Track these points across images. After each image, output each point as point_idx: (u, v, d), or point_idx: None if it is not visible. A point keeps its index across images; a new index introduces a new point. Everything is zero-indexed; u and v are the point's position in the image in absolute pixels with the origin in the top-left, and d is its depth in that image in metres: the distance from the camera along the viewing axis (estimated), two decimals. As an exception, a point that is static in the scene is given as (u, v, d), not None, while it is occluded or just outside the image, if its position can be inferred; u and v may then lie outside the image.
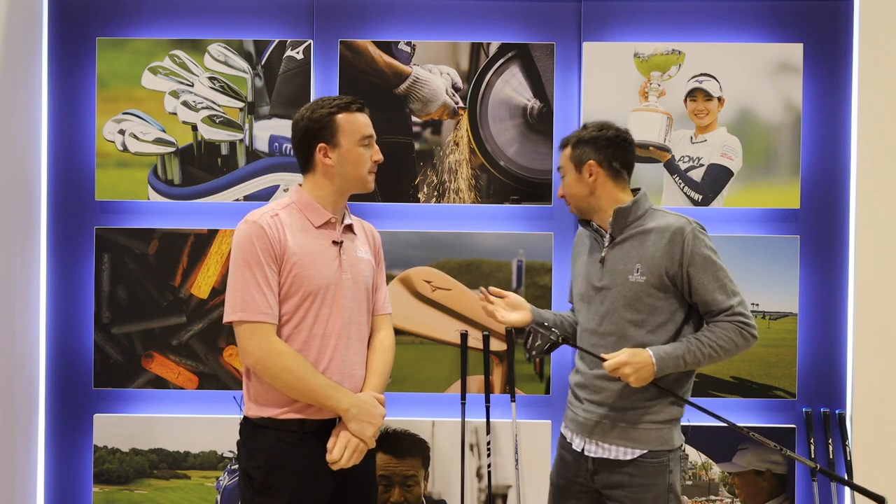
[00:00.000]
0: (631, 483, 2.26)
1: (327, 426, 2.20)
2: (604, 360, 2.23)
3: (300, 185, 2.32)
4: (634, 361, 2.19)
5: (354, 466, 2.21)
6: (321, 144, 2.23)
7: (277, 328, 2.18)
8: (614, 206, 2.33)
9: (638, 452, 2.26)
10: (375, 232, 2.47)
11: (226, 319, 2.19)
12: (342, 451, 2.16)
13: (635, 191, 2.37)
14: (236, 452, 2.31)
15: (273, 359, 2.14)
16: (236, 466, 2.81)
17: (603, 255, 2.34)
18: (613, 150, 2.34)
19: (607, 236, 2.35)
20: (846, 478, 3.07)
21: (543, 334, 2.33)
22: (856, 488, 2.20)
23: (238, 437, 2.27)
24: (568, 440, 2.40)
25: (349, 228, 2.32)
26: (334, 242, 2.25)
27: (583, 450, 2.33)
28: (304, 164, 2.29)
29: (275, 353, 2.14)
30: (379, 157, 2.31)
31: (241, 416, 2.27)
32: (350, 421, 2.18)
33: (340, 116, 2.24)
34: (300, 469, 2.17)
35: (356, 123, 2.25)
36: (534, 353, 2.36)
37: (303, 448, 2.17)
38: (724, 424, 2.31)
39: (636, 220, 2.32)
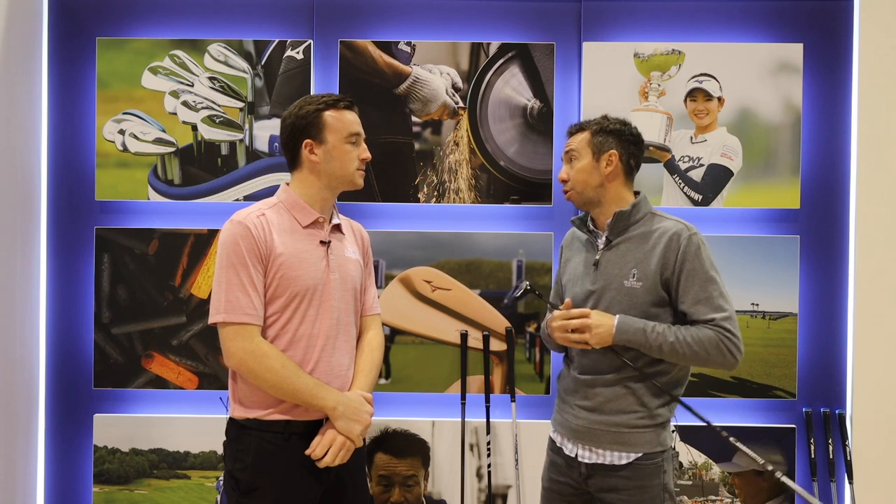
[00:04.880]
0: (627, 486, 2.23)
1: (314, 427, 2.18)
2: (561, 307, 2.23)
3: (287, 184, 2.30)
4: (596, 333, 2.19)
5: (343, 467, 2.19)
6: (307, 140, 2.22)
7: (263, 329, 2.16)
8: (617, 204, 2.29)
9: (633, 456, 2.23)
10: (364, 232, 2.45)
11: (210, 321, 2.17)
12: (326, 448, 2.15)
13: (636, 193, 2.34)
14: (222, 454, 2.30)
15: (257, 360, 2.12)
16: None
17: (597, 257, 2.29)
18: (634, 147, 2.33)
19: (603, 238, 2.31)
20: (849, 480, 3.08)
21: (518, 286, 2.37)
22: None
23: (224, 439, 2.25)
24: (558, 444, 2.36)
25: (337, 228, 2.30)
26: (322, 242, 2.23)
27: (576, 455, 2.29)
28: (292, 161, 2.27)
29: (259, 354, 2.12)
30: (366, 155, 2.28)
31: (227, 417, 2.25)
32: (337, 419, 2.16)
33: (328, 113, 2.22)
34: (286, 471, 2.15)
35: (343, 121, 2.23)
36: (506, 301, 2.40)
37: (289, 449, 2.15)
38: (725, 424, 2.30)
39: (635, 223, 2.28)
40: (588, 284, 2.30)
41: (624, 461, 2.23)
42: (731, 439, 2.25)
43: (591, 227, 2.36)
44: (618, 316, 2.19)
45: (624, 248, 2.27)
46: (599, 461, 2.25)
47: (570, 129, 2.39)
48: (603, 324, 2.19)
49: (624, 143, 2.31)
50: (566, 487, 2.34)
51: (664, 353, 2.18)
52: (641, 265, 2.22)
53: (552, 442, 2.41)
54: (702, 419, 2.25)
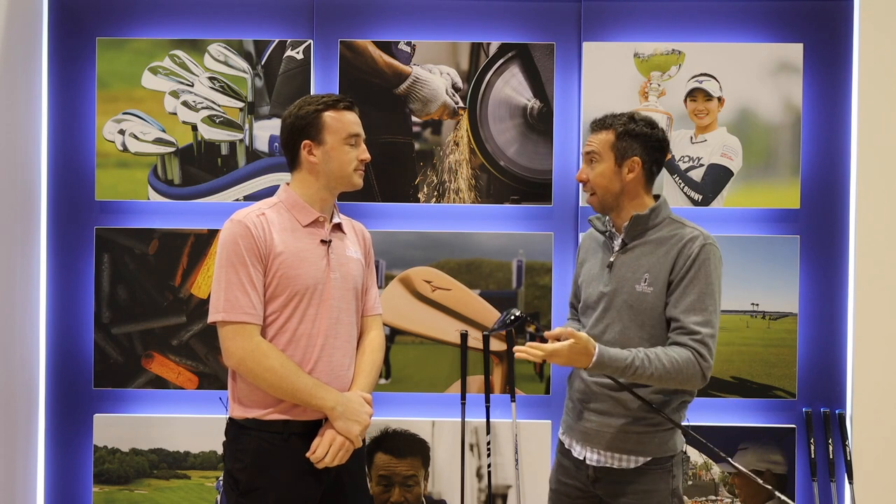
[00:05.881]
0: (635, 490, 2.21)
1: (313, 427, 2.18)
2: (545, 340, 2.07)
3: (287, 183, 2.30)
4: (572, 357, 2.04)
5: (343, 468, 2.19)
6: (306, 141, 2.22)
7: (262, 328, 2.16)
8: (635, 208, 2.24)
9: (642, 461, 2.21)
10: (366, 232, 2.44)
11: (209, 320, 2.17)
12: (326, 449, 2.15)
13: (656, 197, 2.29)
14: (222, 454, 2.30)
15: (256, 359, 2.12)
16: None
17: (612, 259, 2.26)
18: (659, 153, 2.25)
19: (619, 240, 2.27)
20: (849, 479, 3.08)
21: (509, 311, 2.27)
22: None
23: (224, 439, 2.25)
24: (567, 447, 2.34)
25: (338, 227, 2.30)
26: (322, 241, 2.23)
27: (584, 458, 2.27)
28: (291, 161, 2.28)
29: (258, 353, 2.12)
30: (366, 156, 2.28)
31: (227, 417, 2.25)
32: (336, 419, 2.16)
33: (327, 114, 2.22)
34: (285, 471, 2.15)
35: (343, 122, 2.23)
36: (494, 327, 2.31)
37: (288, 449, 2.15)
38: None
39: (652, 227, 2.23)
40: (601, 286, 2.27)
41: (633, 465, 2.22)
42: (730, 461, 2.25)
43: (609, 227, 2.32)
44: (595, 358, 2.05)
45: (639, 252, 2.23)
46: (608, 464, 2.24)
47: (592, 125, 2.30)
48: (577, 363, 2.07)
49: (648, 149, 2.23)
50: (574, 490, 2.33)
51: (645, 383, 2.13)
52: (654, 270, 2.19)
53: (561, 444, 2.39)
54: (708, 445, 2.22)
